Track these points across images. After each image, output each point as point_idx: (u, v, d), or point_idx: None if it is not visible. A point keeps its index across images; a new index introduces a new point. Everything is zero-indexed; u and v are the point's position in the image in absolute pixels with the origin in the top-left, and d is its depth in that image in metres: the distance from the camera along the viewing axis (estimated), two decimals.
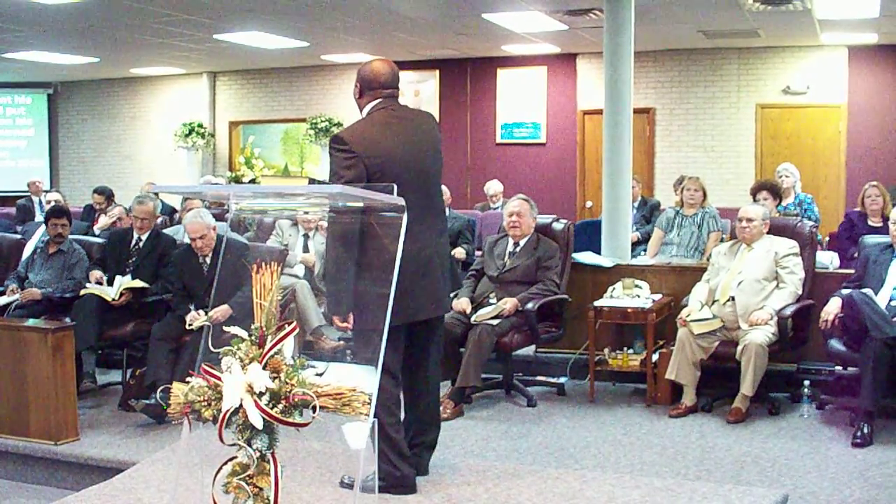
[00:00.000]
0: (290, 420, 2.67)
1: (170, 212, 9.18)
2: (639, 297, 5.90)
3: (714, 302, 5.45)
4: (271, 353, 2.72)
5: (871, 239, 5.53)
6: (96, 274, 5.99)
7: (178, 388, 2.80)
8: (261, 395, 2.65)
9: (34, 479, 4.94)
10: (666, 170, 11.57)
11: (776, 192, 7.01)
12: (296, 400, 2.66)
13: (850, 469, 4.35)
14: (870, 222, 6.74)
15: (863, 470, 4.34)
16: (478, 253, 7.56)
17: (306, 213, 6.78)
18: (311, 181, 3.75)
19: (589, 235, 7.28)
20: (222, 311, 4.18)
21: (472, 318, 5.50)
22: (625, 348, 5.97)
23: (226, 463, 2.77)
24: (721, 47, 11.28)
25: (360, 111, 3.85)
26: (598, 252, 6.82)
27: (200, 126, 13.95)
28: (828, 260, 6.24)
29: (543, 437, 5.00)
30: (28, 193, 11.34)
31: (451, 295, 4.74)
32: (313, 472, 4.02)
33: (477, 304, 5.66)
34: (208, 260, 5.57)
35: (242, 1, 8.66)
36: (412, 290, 3.60)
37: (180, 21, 9.52)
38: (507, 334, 5.47)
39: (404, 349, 3.79)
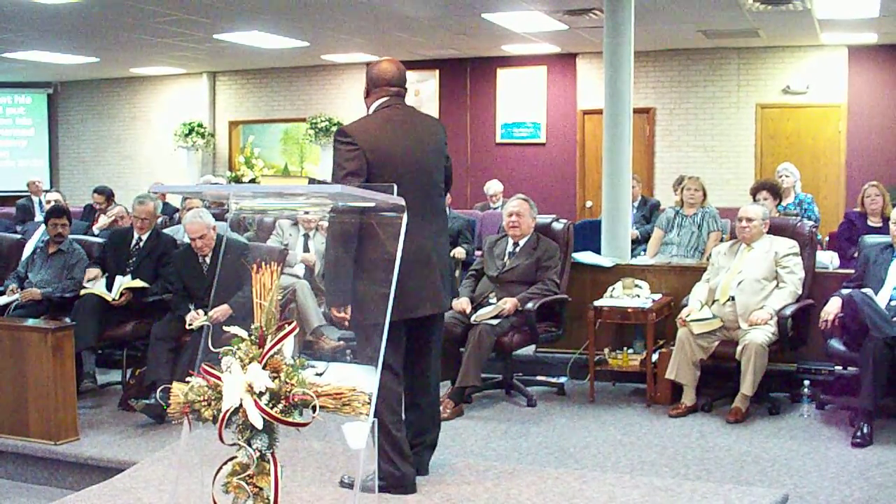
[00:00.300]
0: (290, 420, 2.67)
1: (172, 212, 9.17)
2: (639, 296, 5.90)
3: (714, 302, 5.44)
4: (271, 352, 2.72)
5: (870, 239, 5.53)
6: (91, 272, 5.98)
7: (178, 387, 2.81)
8: (261, 394, 2.66)
9: (34, 479, 4.94)
10: (666, 170, 11.57)
11: (776, 192, 7.00)
12: (296, 400, 2.67)
13: (850, 469, 4.35)
14: (870, 222, 6.74)
15: (863, 470, 4.33)
16: (478, 253, 7.57)
17: (306, 212, 6.77)
18: (311, 181, 3.74)
19: (589, 235, 7.28)
20: (222, 310, 4.18)
21: (472, 318, 5.49)
22: (625, 348, 5.97)
23: (226, 463, 2.77)
24: (721, 47, 11.28)
25: (367, 110, 3.88)
26: (598, 252, 6.81)
27: (200, 126, 13.95)
28: (828, 260, 6.24)
29: (543, 437, 4.99)
30: (28, 193, 11.33)
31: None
32: (313, 471, 4.02)
33: (477, 304, 5.66)
34: (208, 260, 5.57)
35: (242, 1, 8.66)
36: (410, 286, 3.61)
37: (180, 21, 9.52)
38: (506, 334, 5.47)
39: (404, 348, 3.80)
